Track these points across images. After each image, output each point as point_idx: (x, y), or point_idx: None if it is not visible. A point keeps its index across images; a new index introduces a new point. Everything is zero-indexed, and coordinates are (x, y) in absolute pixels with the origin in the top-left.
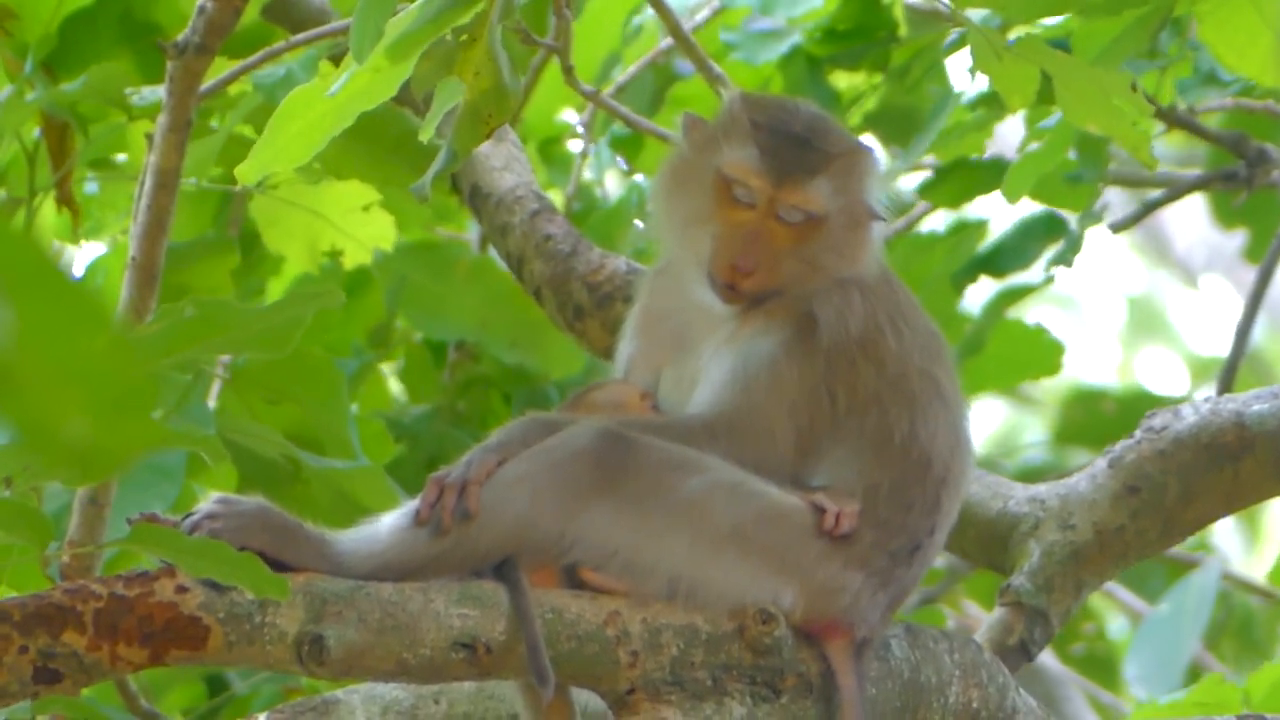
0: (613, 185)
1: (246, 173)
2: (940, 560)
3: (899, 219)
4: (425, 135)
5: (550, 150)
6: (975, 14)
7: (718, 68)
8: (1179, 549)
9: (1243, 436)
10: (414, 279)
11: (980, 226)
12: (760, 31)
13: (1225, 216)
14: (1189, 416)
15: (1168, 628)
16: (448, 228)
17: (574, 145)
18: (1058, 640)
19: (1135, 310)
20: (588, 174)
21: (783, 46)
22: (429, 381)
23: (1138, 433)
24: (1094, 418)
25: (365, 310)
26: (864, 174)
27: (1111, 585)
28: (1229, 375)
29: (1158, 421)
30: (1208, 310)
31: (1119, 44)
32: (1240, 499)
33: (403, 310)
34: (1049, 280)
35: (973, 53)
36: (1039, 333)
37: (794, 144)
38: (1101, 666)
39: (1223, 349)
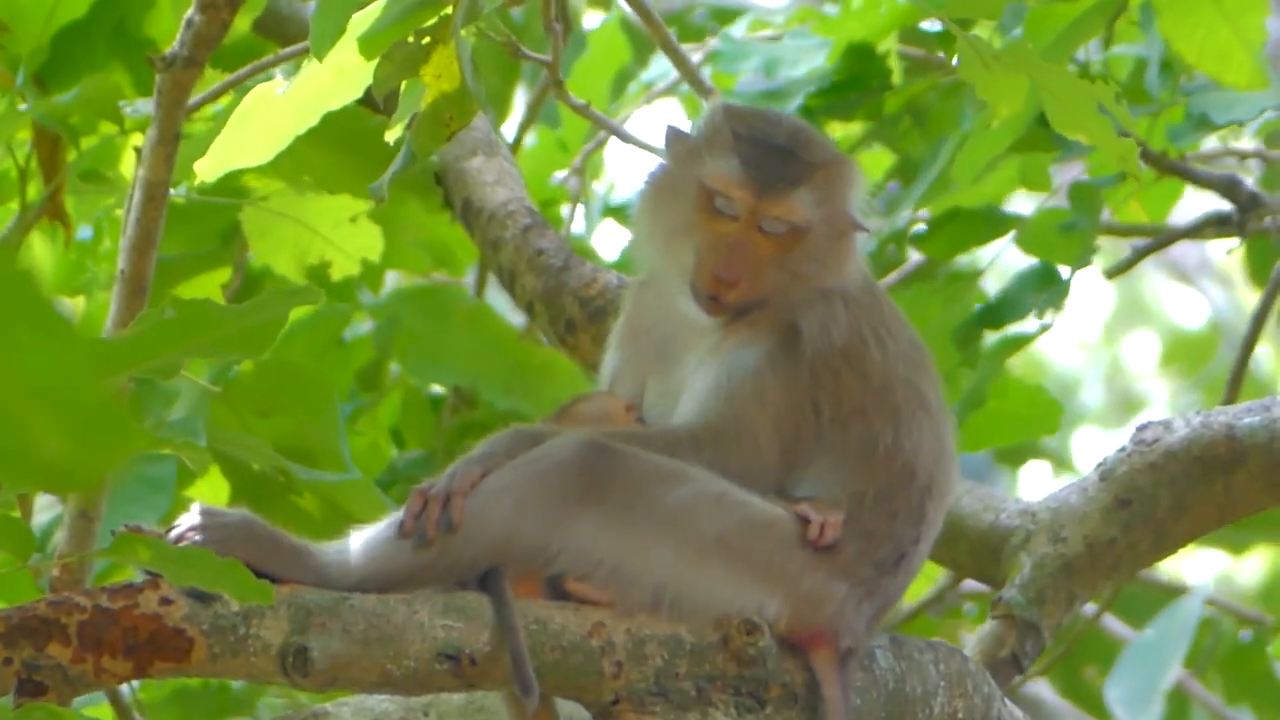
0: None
1: (206, 169)
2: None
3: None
4: (391, 135)
5: (543, 213)
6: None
7: (706, 79)
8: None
9: (1234, 449)
10: (410, 324)
11: (974, 276)
12: (765, 91)
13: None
14: (1180, 429)
15: (1151, 653)
16: (446, 273)
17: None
18: (1059, 671)
19: (1122, 298)
20: (579, 226)
21: (789, 108)
22: (425, 426)
23: (1129, 445)
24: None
25: (360, 354)
26: (846, 185)
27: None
28: (1233, 389)
29: (1149, 434)
30: (1197, 303)
31: (1073, 30)
32: (1232, 512)
33: (397, 355)
34: (1044, 329)
35: (960, 62)
36: (1037, 391)
37: (776, 155)
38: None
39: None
